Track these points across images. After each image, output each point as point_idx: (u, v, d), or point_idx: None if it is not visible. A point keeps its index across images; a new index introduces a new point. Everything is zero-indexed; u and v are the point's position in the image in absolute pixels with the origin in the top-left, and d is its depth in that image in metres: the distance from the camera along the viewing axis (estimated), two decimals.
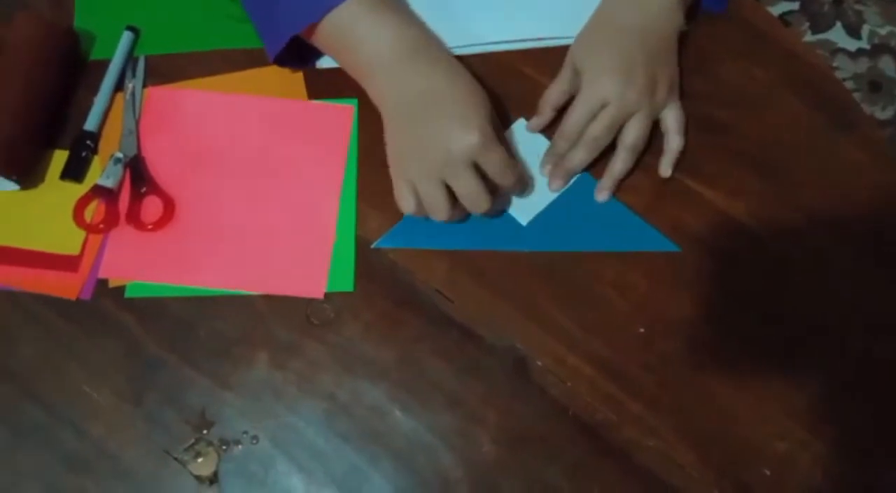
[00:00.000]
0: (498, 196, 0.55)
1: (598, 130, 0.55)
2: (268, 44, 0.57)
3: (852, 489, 0.51)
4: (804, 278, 0.56)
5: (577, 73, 0.56)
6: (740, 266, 0.56)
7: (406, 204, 0.53)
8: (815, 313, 0.55)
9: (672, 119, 0.57)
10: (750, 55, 0.62)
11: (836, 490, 0.51)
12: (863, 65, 1.40)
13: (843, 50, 1.42)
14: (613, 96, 0.54)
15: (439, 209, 0.52)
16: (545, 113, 0.58)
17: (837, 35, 1.44)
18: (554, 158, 0.57)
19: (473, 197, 0.52)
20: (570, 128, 0.55)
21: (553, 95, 0.58)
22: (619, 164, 0.56)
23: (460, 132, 0.50)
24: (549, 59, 0.60)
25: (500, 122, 0.56)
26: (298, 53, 0.58)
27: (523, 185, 0.57)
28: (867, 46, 1.42)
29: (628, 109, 0.55)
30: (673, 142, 0.58)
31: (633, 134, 0.56)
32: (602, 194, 0.57)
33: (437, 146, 0.51)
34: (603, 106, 0.54)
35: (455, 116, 0.51)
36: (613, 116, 0.54)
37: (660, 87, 0.56)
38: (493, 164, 0.52)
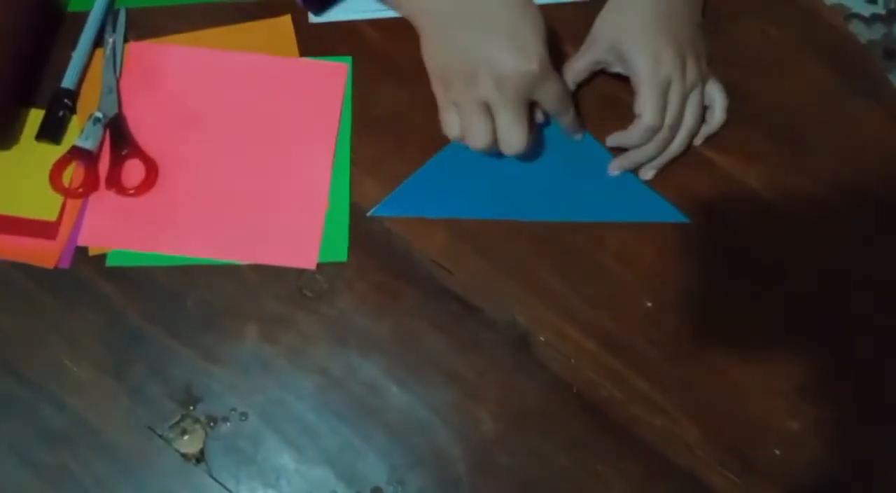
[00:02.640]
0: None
1: (674, 118, 0.51)
2: None
3: (863, 469, 0.50)
4: (819, 250, 0.54)
5: (611, 50, 0.52)
6: (752, 237, 0.54)
7: (451, 130, 0.49)
8: (829, 287, 0.53)
9: (719, 92, 0.54)
10: (765, 13, 0.60)
11: (846, 471, 0.49)
12: (878, 31, 1.36)
13: (857, 15, 1.38)
14: (676, 75, 0.50)
15: (480, 140, 0.48)
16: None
17: None
18: (628, 153, 0.54)
19: (514, 134, 0.47)
20: (653, 122, 0.51)
21: (579, 70, 0.54)
22: (675, 147, 0.53)
23: (516, 59, 0.45)
24: (560, 15, 0.57)
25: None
26: None
27: (578, 121, 0.53)
28: (882, 12, 1.38)
29: (691, 84, 0.51)
30: (719, 115, 0.54)
31: (692, 115, 0.52)
32: (618, 171, 0.54)
33: (487, 70, 0.45)
34: (668, 86, 0.51)
35: (509, 35, 0.45)
36: (681, 94, 0.51)
37: (702, 58, 0.53)
38: (552, 96, 0.47)
